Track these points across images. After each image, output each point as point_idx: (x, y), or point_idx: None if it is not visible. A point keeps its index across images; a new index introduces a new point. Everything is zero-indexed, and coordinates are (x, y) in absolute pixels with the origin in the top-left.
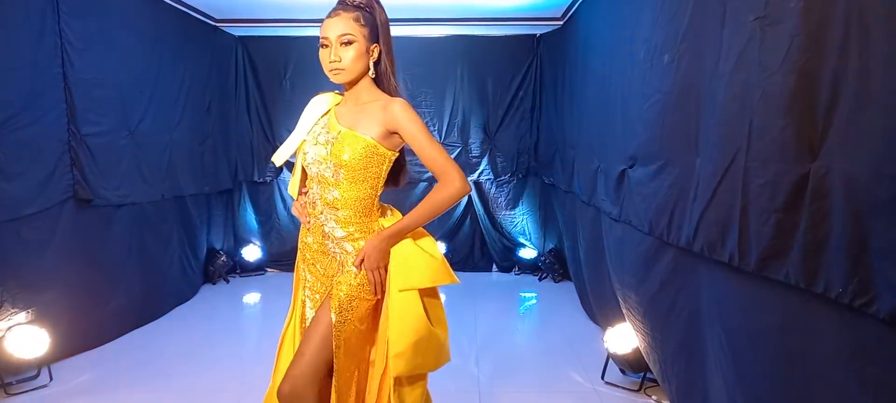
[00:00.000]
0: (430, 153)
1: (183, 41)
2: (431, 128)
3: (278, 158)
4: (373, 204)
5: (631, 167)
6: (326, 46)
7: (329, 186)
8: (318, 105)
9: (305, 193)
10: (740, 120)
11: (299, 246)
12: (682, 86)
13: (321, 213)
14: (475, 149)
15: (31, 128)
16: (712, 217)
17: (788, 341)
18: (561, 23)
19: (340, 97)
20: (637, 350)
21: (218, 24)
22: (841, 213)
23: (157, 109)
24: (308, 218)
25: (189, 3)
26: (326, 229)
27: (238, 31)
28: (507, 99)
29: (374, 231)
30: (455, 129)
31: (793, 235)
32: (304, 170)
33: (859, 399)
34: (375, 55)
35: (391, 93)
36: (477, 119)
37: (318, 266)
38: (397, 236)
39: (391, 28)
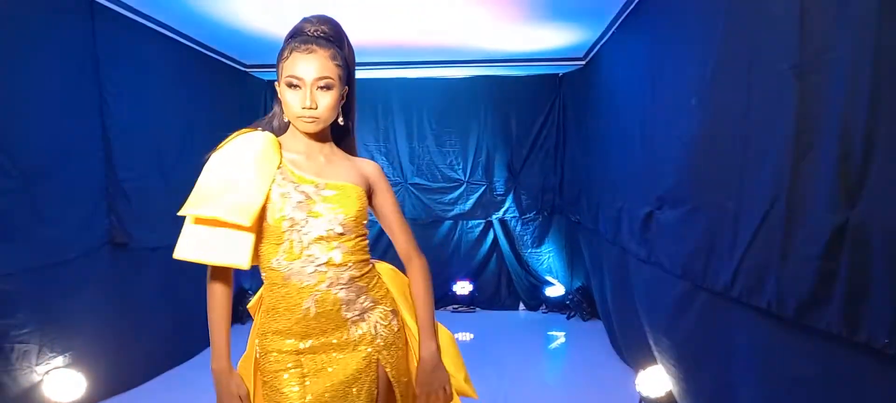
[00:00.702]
0: (404, 225)
1: (214, 86)
2: (456, 168)
3: (245, 216)
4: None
5: (659, 209)
6: (298, 88)
7: (332, 244)
8: (264, 150)
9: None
10: (778, 166)
11: (277, 361)
12: (710, 129)
13: (326, 282)
14: (500, 187)
15: (71, 175)
16: (751, 262)
17: (829, 390)
18: (583, 63)
19: (276, 141)
20: (670, 394)
21: (248, 70)
22: (882, 261)
23: (189, 153)
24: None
25: (220, 50)
26: (341, 295)
27: (267, 75)
28: (531, 137)
29: (378, 273)
30: (480, 168)
31: (833, 283)
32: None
33: None
34: (344, 99)
35: (352, 146)
36: (501, 157)
37: (329, 352)
38: (436, 338)
39: (415, 71)
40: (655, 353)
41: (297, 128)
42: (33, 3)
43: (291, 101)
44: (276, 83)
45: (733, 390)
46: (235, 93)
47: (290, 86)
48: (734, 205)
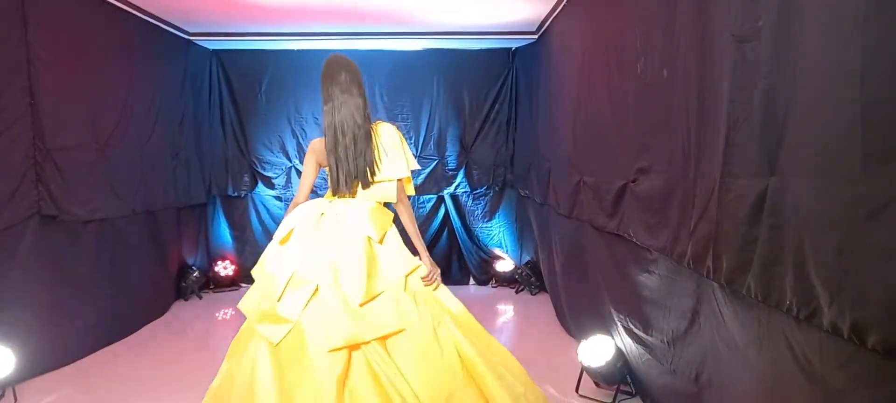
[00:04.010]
0: None
1: (156, 55)
2: (409, 142)
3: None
4: None
5: (633, 181)
6: None
7: None
8: None
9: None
10: (718, 135)
11: None
12: (674, 100)
13: None
14: (451, 162)
15: None
16: (700, 231)
17: (760, 354)
18: (536, 37)
19: None
20: (610, 363)
21: (192, 38)
22: (791, 227)
23: (128, 123)
24: None
25: (162, 17)
26: None
27: (212, 44)
28: (484, 112)
29: None
30: (432, 142)
31: (753, 249)
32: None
33: None
34: None
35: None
36: (453, 132)
37: None
38: None
39: (368, 41)
40: (617, 320)
41: None
42: None
43: None
44: None
45: (713, 357)
46: (178, 62)
47: None
48: (694, 175)
